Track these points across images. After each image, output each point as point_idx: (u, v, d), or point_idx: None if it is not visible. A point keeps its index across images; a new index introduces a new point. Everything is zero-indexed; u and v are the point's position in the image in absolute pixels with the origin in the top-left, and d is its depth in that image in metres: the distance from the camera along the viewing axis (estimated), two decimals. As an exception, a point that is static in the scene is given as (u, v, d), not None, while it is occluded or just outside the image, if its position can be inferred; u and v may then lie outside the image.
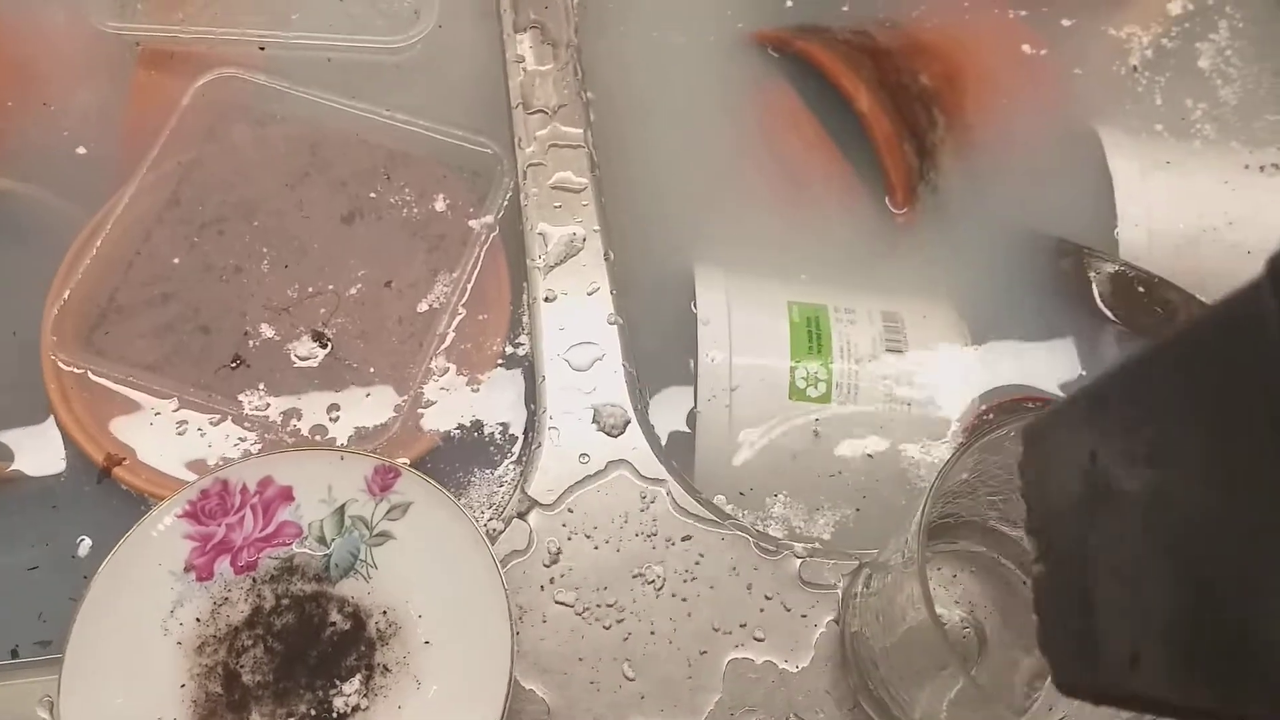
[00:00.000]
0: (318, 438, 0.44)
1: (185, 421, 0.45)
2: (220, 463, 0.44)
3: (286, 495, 0.41)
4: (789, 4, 0.61)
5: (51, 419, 0.45)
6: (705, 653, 0.40)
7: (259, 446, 0.44)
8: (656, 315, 0.50)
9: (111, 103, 0.52)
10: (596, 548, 0.42)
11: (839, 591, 0.41)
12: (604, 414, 0.44)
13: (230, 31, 0.51)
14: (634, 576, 0.41)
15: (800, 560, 0.42)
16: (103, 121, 0.52)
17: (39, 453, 0.44)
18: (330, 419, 0.45)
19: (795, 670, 0.40)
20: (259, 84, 0.51)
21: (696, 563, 0.42)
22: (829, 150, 0.56)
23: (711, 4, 0.60)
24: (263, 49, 0.52)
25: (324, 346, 0.46)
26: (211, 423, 0.45)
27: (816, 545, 0.43)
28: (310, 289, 0.48)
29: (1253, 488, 0.18)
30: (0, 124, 0.52)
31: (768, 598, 0.41)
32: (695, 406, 0.48)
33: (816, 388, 0.48)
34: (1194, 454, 0.20)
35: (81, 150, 0.51)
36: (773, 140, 0.57)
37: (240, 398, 0.45)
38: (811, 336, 0.49)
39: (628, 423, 0.44)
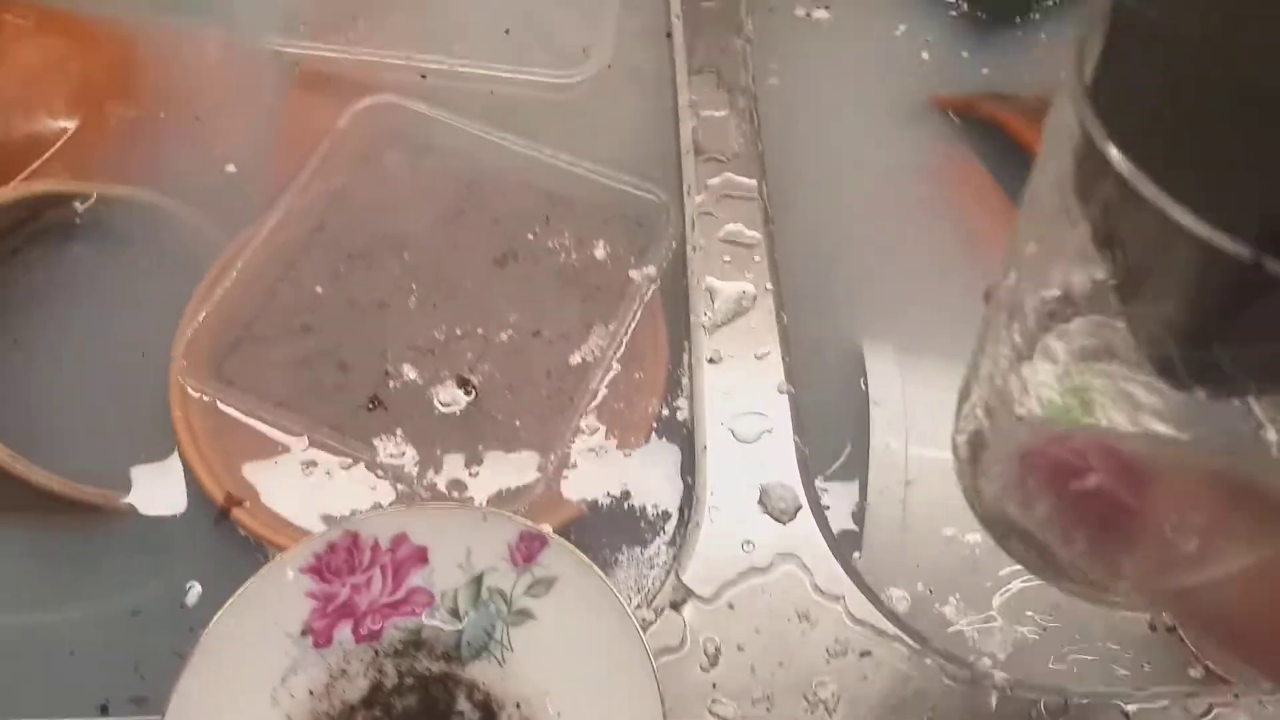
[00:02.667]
0: (455, 494, 0.40)
1: (314, 464, 0.41)
2: (351, 513, 0.40)
3: (421, 557, 0.37)
4: (984, 71, 0.56)
5: (173, 450, 0.42)
6: (885, 793, 0.34)
7: (391, 498, 0.40)
8: (827, 389, 0.45)
9: (265, 121, 0.50)
10: (760, 654, 0.36)
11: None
12: (773, 495, 0.39)
13: (392, 55, 0.49)
14: (802, 694, 0.36)
15: (997, 693, 0.36)
16: (254, 140, 0.50)
17: (156, 486, 0.41)
18: (470, 474, 0.41)
19: (990, 826, 0.34)
20: (417, 112, 0.49)
21: (873, 684, 0.36)
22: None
23: (893, 64, 0.56)
24: (424, 77, 0.50)
25: (469, 394, 0.42)
26: (342, 467, 0.41)
27: (1020, 678, 0.36)
28: (458, 331, 0.44)
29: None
30: (150, 134, 0.51)
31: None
32: (865, 499, 0.43)
33: (1000, 487, 0.42)
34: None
35: (231, 168, 0.49)
36: (955, 209, 0.52)
37: (375, 442, 0.41)
38: (996, 428, 0.43)
39: (799, 508, 0.39)
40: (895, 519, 0.43)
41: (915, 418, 0.44)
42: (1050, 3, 0.60)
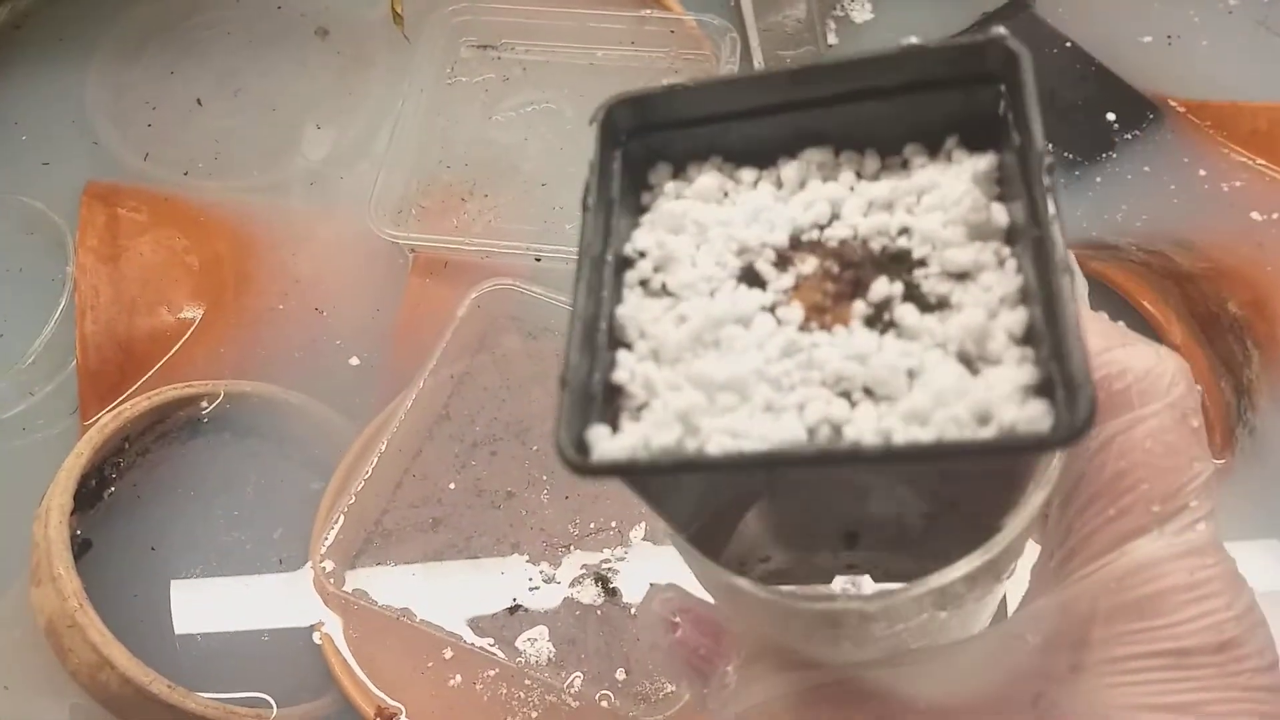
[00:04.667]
0: (604, 703, 0.40)
1: (460, 670, 0.41)
2: (506, 731, 0.39)
3: (585, 781, 0.36)
4: (1078, 212, 0.57)
5: (318, 659, 0.42)
6: None
7: (538, 705, 0.40)
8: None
9: (384, 312, 0.51)
10: None
11: None
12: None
13: (514, 246, 0.50)
14: None
15: None
16: (375, 331, 0.51)
17: (303, 698, 0.41)
18: (617, 679, 0.40)
19: None
20: (533, 296, 0.50)
21: None
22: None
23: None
24: (539, 260, 0.51)
25: (610, 594, 0.42)
26: (489, 671, 0.41)
27: None
28: (591, 525, 0.44)
29: None
30: (270, 326, 0.52)
31: None
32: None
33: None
34: None
35: (354, 361, 0.50)
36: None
37: (518, 645, 0.41)
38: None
39: None
40: None
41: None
42: (1128, 136, 0.61)
